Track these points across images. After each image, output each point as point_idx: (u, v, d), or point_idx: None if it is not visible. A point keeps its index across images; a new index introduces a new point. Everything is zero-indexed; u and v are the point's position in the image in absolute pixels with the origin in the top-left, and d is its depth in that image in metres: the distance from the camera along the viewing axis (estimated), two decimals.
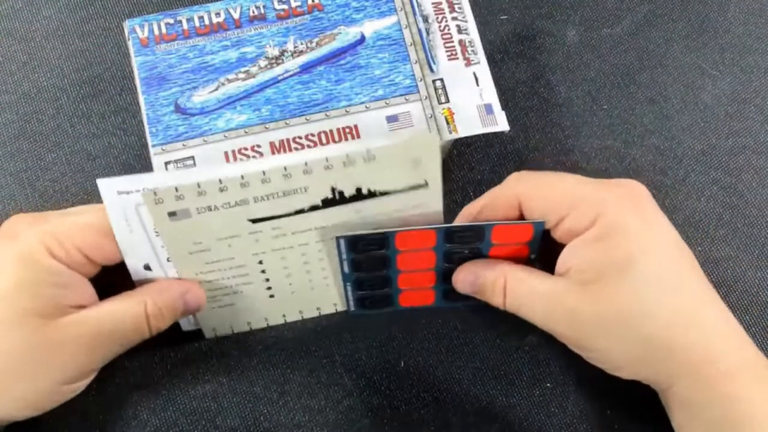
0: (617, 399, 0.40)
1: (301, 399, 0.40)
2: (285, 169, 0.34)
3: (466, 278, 0.38)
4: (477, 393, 0.41)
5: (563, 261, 0.36)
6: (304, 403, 0.40)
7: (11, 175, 0.45)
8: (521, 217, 0.37)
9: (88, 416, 0.40)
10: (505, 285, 0.37)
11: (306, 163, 0.34)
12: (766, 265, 0.43)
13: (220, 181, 0.34)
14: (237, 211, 0.35)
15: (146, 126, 0.41)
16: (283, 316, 0.42)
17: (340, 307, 0.42)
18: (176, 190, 0.34)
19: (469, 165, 0.45)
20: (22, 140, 0.46)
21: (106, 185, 0.34)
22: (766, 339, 0.42)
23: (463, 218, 0.38)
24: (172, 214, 0.35)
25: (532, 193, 0.36)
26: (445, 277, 0.40)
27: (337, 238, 0.37)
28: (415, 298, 0.41)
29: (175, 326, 0.42)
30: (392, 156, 0.35)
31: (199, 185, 0.34)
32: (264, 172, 0.34)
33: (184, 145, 0.41)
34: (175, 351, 0.41)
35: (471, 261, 0.38)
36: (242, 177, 0.34)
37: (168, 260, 0.37)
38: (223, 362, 0.41)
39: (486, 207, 0.37)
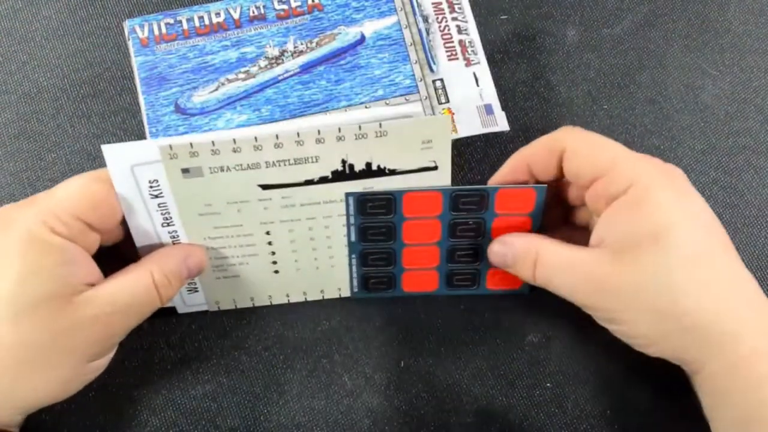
0: (617, 399, 0.40)
1: (301, 399, 0.40)
2: (298, 135, 0.35)
3: (500, 249, 0.38)
4: (477, 393, 0.41)
5: (597, 233, 0.36)
6: (304, 403, 0.40)
7: (11, 175, 0.45)
8: (560, 170, 0.38)
9: (88, 416, 0.40)
10: (537, 257, 0.37)
11: (319, 131, 0.35)
12: (766, 265, 0.43)
13: (234, 141, 0.35)
14: (248, 174, 0.36)
15: (146, 126, 0.41)
16: (287, 295, 0.42)
17: (344, 293, 0.42)
18: (191, 146, 0.35)
19: (469, 165, 0.45)
20: (22, 140, 0.46)
21: (109, 150, 0.35)
22: None
23: (510, 163, 0.39)
24: (185, 171, 0.36)
25: (577, 145, 0.37)
26: (449, 256, 0.40)
27: (347, 195, 0.37)
28: (419, 282, 0.42)
29: (176, 324, 0.42)
30: (404, 133, 0.36)
31: (213, 143, 0.35)
32: (277, 136, 0.35)
33: None
34: (175, 351, 0.41)
35: (504, 234, 0.39)
36: (256, 139, 0.35)
37: (162, 226, 0.38)
38: (223, 362, 0.41)
39: (533, 151, 0.38)
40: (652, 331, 0.34)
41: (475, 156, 0.45)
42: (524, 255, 0.37)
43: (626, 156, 0.36)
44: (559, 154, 0.37)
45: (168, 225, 0.38)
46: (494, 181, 0.39)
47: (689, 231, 0.34)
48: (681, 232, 0.34)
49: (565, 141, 0.37)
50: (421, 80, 0.42)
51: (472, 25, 0.44)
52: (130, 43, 0.43)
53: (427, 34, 0.43)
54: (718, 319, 0.33)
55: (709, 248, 0.34)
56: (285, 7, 0.43)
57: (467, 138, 0.43)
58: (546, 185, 0.38)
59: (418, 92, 0.42)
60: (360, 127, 0.35)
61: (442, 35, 0.43)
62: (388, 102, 0.41)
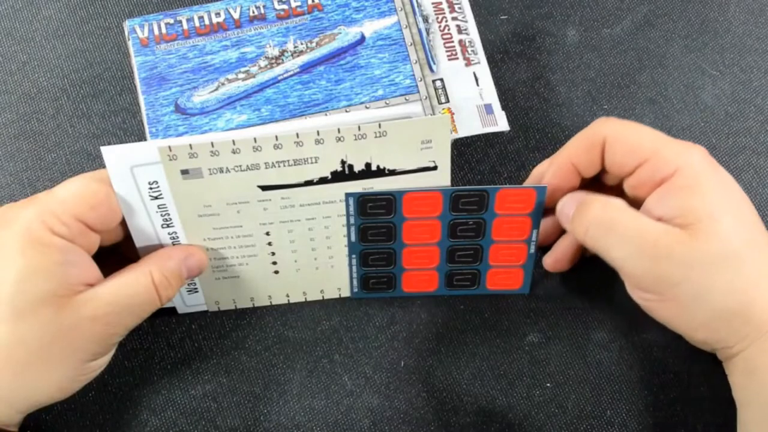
0: (617, 399, 0.40)
1: (301, 399, 0.40)
2: (297, 135, 0.35)
3: (569, 200, 0.38)
4: (477, 393, 0.41)
5: (649, 210, 0.36)
6: (304, 403, 0.40)
7: (11, 175, 0.45)
8: (603, 162, 0.38)
9: (88, 416, 0.40)
10: (597, 210, 0.36)
11: (318, 132, 0.35)
12: None
13: (234, 142, 0.35)
14: (248, 175, 0.36)
15: (146, 126, 0.41)
16: (287, 296, 0.42)
17: (344, 293, 0.42)
18: (190, 147, 0.35)
19: (469, 165, 0.45)
20: (22, 140, 0.46)
21: (109, 152, 0.35)
22: None
23: (554, 168, 0.38)
24: (184, 172, 0.36)
25: (619, 134, 0.37)
26: (449, 256, 0.40)
27: (347, 195, 0.37)
28: (419, 282, 0.42)
29: (176, 324, 0.42)
30: (403, 134, 0.36)
31: (212, 144, 0.35)
32: (276, 137, 0.35)
33: None
34: (175, 351, 0.41)
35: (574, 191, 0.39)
36: (255, 140, 0.35)
37: (162, 227, 0.38)
38: (223, 362, 0.41)
39: (575, 149, 0.38)
40: (705, 311, 0.34)
41: (475, 156, 0.45)
42: (586, 204, 0.36)
43: (667, 140, 0.36)
44: (600, 146, 0.37)
45: (168, 226, 0.38)
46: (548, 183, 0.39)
47: (735, 212, 0.35)
48: (730, 213, 0.34)
49: (605, 132, 0.37)
50: (421, 80, 0.42)
51: (472, 25, 0.44)
52: (130, 43, 0.43)
53: (427, 34, 0.43)
54: (765, 298, 0.34)
55: (753, 229, 0.35)
56: (285, 7, 0.43)
57: (467, 138, 0.43)
58: (546, 186, 0.38)
59: (418, 92, 0.42)
60: (359, 128, 0.35)
61: (442, 35, 0.43)
62: (388, 102, 0.41)
